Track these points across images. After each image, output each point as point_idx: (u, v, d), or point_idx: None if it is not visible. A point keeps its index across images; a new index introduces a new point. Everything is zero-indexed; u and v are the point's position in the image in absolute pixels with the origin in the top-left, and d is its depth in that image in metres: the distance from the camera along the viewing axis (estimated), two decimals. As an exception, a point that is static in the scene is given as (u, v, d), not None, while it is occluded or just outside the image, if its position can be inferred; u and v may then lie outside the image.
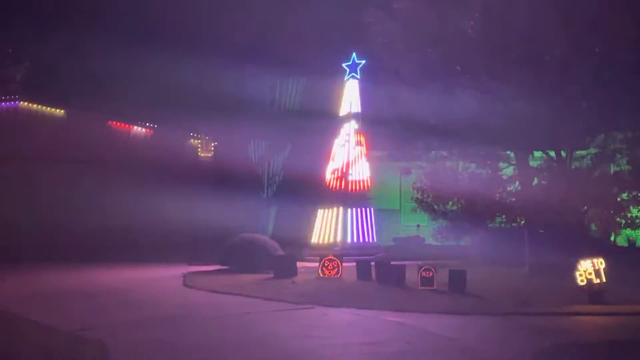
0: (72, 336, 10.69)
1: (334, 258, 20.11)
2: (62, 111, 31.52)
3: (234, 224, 25.85)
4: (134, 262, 25.93)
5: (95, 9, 36.19)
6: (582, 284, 15.11)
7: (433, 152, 25.19)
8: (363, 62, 29.15)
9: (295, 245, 26.18)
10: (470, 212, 23.67)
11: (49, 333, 10.87)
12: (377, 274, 18.73)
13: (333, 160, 29.59)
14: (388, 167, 28.04)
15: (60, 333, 10.91)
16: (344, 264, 20.14)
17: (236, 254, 22.62)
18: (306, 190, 31.32)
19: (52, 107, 31.26)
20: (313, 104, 33.82)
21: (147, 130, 35.57)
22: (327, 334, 11.64)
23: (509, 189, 24.28)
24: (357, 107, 29.34)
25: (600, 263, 15.09)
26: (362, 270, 19.31)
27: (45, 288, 18.58)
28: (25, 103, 30.48)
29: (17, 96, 30.48)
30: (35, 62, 31.58)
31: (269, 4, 35.54)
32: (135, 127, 35.08)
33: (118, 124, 34.33)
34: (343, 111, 29.71)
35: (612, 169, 24.32)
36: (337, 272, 19.70)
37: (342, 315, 13.92)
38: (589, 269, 15.05)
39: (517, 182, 24.24)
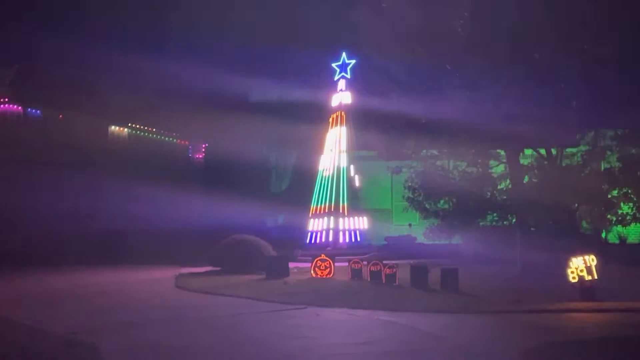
0: (64, 339, 10.64)
1: (326, 258, 20.09)
2: (51, 113, 31.39)
3: (226, 225, 25.81)
4: (125, 264, 25.89)
5: (85, 12, 36.14)
6: (573, 281, 15.15)
7: (424, 151, 25.24)
8: (353, 61, 29.13)
9: (288, 246, 26.17)
10: (462, 210, 23.74)
11: (40, 336, 10.82)
12: (370, 273, 18.74)
13: (323, 161, 29.62)
14: (379, 166, 28.06)
15: (51, 336, 10.86)
16: (336, 264, 20.15)
17: (228, 255, 22.56)
18: (298, 191, 31.35)
19: (41, 109, 31.13)
20: (301, 105, 33.88)
21: (139, 131, 35.47)
22: (320, 334, 11.63)
23: (500, 187, 24.35)
24: (346, 107, 29.33)
25: (591, 260, 15.13)
26: (355, 270, 19.31)
27: (36, 291, 18.51)
28: (14, 106, 30.36)
29: (6, 99, 30.36)
30: (24, 65, 31.46)
31: (259, 6, 35.64)
32: (126, 129, 34.98)
33: (109, 125, 34.22)
34: (333, 111, 29.72)
35: (603, 166, 24.44)
36: (330, 272, 19.69)
37: (335, 315, 13.90)
38: (580, 266, 15.09)
39: (508, 180, 24.31)
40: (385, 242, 29.22)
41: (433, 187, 24.43)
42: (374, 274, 18.53)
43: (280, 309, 14.54)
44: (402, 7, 22.74)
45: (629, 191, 22.98)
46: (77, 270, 24.14)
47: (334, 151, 29.18)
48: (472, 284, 17.21)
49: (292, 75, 35.90)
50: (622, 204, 23.29)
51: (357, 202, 29.03)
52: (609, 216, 23.54)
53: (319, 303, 15.07)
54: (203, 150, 39.07)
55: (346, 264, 19.95)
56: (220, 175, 34.41)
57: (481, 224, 24.52)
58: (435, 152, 25.11)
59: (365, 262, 19.83)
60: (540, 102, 20.46)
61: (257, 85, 37.49)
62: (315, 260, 20.05)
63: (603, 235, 24.80)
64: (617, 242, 25.15)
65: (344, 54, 29.39)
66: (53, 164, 29.94)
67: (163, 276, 21.81)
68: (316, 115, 30.75)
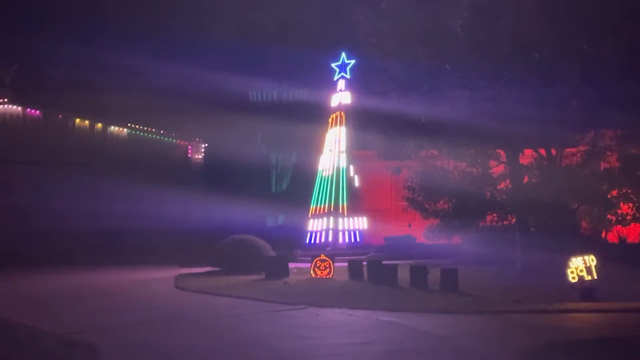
0: (64, 339, 10.65)
1: (326, 258, 20.08)
2: (51, 114, 31.39)
3: (226, 225, 25.81)
4: (125, 264, 25.88)
5: (85, 12, 36.12)
6: (573, 281, 15.14)
7: (423, 151, 25.20)
8: (353, 61, 29.11)
9: (288, 246, 26.17)
10: (462, 210, 23.67)
11: (40, 336, 10.82)
12: (369, 273, 18.73)
13: (322, 161, 29.63)
14: (378, 166, 28.02)
15: (51, 336, 10.86)
16: (336, 264, 20.14)
17: (228, 255, 22.55)
18: (298, 191, 31.34)
19: (40, 110, 31.13)
20: (301, 105, 33.91)
21: (138, 131, 35.44)
22: (319, 334, 11.62)
23: (499, 187, 24.32)
24: (346, 107, 29.33)
25: (591, 260, 15.11)
26: (354, 270, 19.30)
27: (36, 292, 18.54)
28: (13, 106, 30.37)
29: (5, 99, 30.37)
30: (24, 65, 31.48)
31: (259, 5, 35.65)
32: (126, 129, 34.94)
33: (108, 125, 34.19)
34: (332, 111, 29.71)
35: (602, 166, 24.41)
36: (329, 273, 19.68)
37: (334, 316, 13.90)
38: (580, 266, 15.07)
39: (508, 181, 24.28)
40: (384, 243, 29.21)
41: (433, 187, 24.37)
42: (373, 275, 18.51)
43: (280, 309, 14.54)
44: (402, 7, 22.71)
45: (629, 191, 22.95)
46: (77, 270, 24.16)
47: (334, 151, 29.17)
48: (472, 284, 17.20)
49: (292, 75, 35.92)
50: (622, 204, 23.26)
51: (356, 202, 29.03)
52: (609, 216, 23.51)
53: (319, 303, 15.07)
54: (203, 150, 39.03)
55: (346, 264, 19.95)
56: (220, 175, 34.39)
57: (481, 224, 24.50)
58: (434, 152, 25.06)
59: (364, 263, 19.84)
60: (540, 102, 20.41)
61: (257, 85, 37.48)
62: (315, 260, 20.02)
63: (603, 235, 24.77)
64: (616, 242, 25.12)
65: (343, 54, 29.38)
66: (53, 164, 29.97)
67: (163, 276, 21.81)
68: (316, 115, 30.74)
